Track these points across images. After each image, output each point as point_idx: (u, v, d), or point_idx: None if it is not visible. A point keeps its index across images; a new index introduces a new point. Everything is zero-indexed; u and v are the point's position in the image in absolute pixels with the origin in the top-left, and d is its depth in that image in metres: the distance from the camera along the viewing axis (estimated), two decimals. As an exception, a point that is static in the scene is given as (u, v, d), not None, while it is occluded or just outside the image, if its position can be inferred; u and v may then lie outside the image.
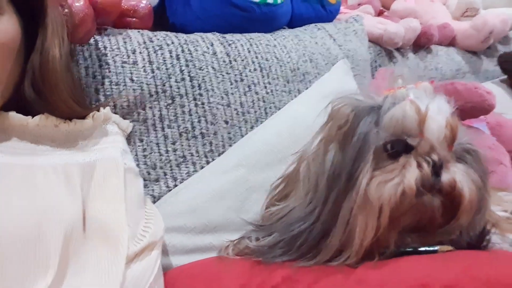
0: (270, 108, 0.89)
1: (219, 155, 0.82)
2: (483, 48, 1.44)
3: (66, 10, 0.65)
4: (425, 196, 0.47)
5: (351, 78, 0.96)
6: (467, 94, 0.92)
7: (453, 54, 1.39)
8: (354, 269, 0.45)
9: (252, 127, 0.87)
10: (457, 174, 0.48)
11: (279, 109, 0.89)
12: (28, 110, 0.60)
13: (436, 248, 0.47)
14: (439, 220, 0.48)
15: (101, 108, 0.68)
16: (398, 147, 0.49)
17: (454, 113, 0.52)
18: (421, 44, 1.32)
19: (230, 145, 0.84)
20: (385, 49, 1.27)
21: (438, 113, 0.50)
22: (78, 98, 0.64)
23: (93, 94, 0.74)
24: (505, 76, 1.39)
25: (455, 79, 1.37)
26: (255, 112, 0.87)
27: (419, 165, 0.47)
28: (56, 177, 0.57)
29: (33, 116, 0.59)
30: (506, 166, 0.89)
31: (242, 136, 0.85)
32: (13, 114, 0.57)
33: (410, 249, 0.48)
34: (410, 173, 0.47)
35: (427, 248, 0.48)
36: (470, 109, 0.93)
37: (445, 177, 0.48)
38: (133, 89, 0.76)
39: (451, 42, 1.42)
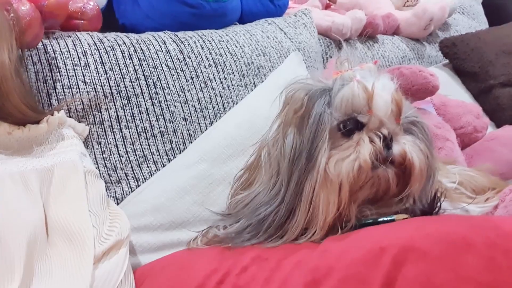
0: (228, 103, 0.90)
1: (180, 152, 0.83)
2: (425, 35, 1.52)
3: (12, 15, 0.64)
4: (380, 169, 0.50)
5: (304, 69, 0.98)
6: (413, 77, 0.97)
7: (398, 42, 1.46)
8: (319, 243, 0.47)
9: (211, 123, 0.87)
10: (407, 145, 0.51)
11: (237, 103, 0.90)
12: None
13: (393, 217, 0.50)
14: (394, 190, 0.51)
15: (55, 112, 0.67)
16: (351, 125, 0.52)
17: (398, 89, 0.55)
18: (367, 34, 1.37)
19: (191, 142, 0.84)
20: (334, 41, 1.31)
21: (384, 90, 0.53)
22: (31, 103, 0.63)
23: (45, 99, 0.72)
24: (447, 61, 1.47)
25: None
26: (213, 107, 0.88)
27: (371, 140, 0.50)
28: (14, 185, 0.56)
29: None
30: (453, 142, 0.95)
31: (202, 132, 0.86)
32: None
33: (369, 221, 0.51)
34: (364, 149, 0.49)
35: (385, 218, 0.51)
36: (416, 91, 0.98)
37: (396, 149, 0.51)
38: (87, 92, 0.75)
39: (395, 31, 1.49)
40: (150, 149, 0.79)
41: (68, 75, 0.74)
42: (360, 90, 0.51)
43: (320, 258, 0.42)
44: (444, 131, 0.96)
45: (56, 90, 0.73)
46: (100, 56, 0.77)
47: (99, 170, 0.73)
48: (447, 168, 0.72)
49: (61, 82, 0.73)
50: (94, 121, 0.75)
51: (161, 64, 0.83)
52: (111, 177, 0.76)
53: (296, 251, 0.46)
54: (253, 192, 0.54)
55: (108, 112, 0.76)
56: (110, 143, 0.76)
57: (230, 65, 0.92)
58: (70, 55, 0.75)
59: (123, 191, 0.76)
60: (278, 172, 0.52)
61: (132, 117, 0.78)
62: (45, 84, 0.72)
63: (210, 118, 0.87)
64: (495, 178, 0.77)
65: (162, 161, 0.81)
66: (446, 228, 0.40)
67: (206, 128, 0.86)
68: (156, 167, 0.80)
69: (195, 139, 0.85)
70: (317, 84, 0.55)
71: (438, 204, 0.53)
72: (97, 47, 0.78)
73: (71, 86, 0.74)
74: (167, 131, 0.81)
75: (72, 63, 0.75)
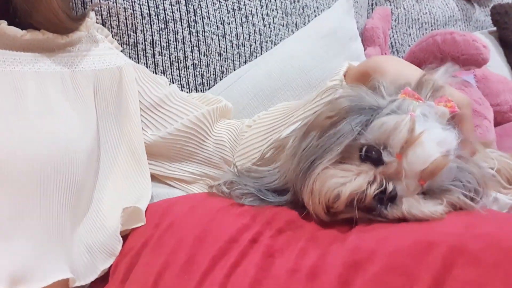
0: (266, 42, 0.85)
1: (209, 88, 0.79)
2: (478, -4, 1.41)
3: None
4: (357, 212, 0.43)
5: (351, 18, 0.91)
6: (465, 45, 0.91)
7: (448, 0, 1.36)
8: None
9: (245, 61, 0.83)
10: (406, 212, 0.43)
11: (275, 44, 0.85)
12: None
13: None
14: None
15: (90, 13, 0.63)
16: (371, 155, 0.45)
17: (453, 154, 0.45)
18: (419, -14, 1.27)
19: (221, 79, 0.81)
20: (383, -13, 1.21)
21: (432, 143, 0.43)
22: (67, 11, 0.58)
23: (80, 8, 0.67)
24: (495, 28, 1.38)
25: (447, 25, 1.35)
26: (250, 45, 0.83)
27: (370, 182, 0.43)
28: (63, 87, 0.54)
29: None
30: (490, 121, 0.91)
31: (235, 69, 0.82)
32: (4, 25, 0.52)
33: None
34: (353, 184, 0.43)
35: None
36: (465, 60, 0.93)
37: (391, 210, 0.44)
38: (124, 8, 0.70)
39: (447, -14, 1.38)
40: (180, 80, 0.76)
41: (105, -13, 0.68)
42: (406, 128, 0.42)
43: (360, 239, 0.41)
44: (484, 108, 0.92)
45: (93, 0, 0.67)
46: (142, -29, 0.71)
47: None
48: (486, 152, 0.69)
49: (98, -7, 0.68)
50: (128, 41, 0.71)
51: (204, -10, 0.77)
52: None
53: (330, 226, 0.45)
54: (265, 171, 0.51)
55: (144, 34, 0.71)
56: (141, 68, 0.72)
57: (275, 0, 0.86)
58: (111, -36, 0.69)
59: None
60: (288, 166, 0.48)
61: (167, 43, 0.74)
62: (81, -7, 0.67)
63: (245, 56, 0.83)
64: (529, 168, 0.74)
65: (191, 96, 0.77)
66: (500, 231, 0.38)
67: (240, 66, 0.82)
68: (184, 100, 0.77)
69: (226, 76, 0.81)
70: (367, 100, 0.47)
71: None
72: (139, -40, 0.71)
73: (108, -1, 0.68)
74: (200, 65, 0.77)
75: (112, -26, 0.69)
